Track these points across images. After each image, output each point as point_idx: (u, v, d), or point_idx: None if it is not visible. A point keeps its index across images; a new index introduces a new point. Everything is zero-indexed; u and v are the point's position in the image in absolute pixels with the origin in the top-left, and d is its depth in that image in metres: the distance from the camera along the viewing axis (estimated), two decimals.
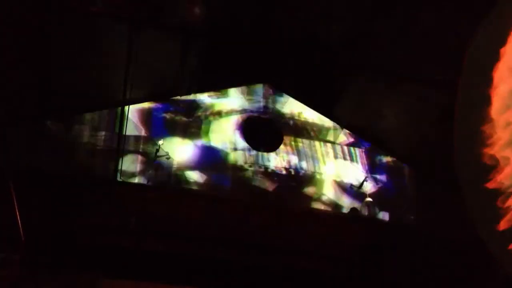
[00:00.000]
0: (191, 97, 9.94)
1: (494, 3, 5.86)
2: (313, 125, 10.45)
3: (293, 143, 10.18)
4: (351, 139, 10.45)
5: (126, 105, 8.49)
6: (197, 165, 9.36)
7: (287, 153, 9.99)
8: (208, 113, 9.95)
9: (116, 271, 8.52)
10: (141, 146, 9.21)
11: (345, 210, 9.56)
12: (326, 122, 10.52)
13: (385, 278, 8.93)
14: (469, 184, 6.07)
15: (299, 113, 10.52)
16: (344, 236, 9.09)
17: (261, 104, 10.32)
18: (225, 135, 9.85)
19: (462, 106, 5.90)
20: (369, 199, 9.60)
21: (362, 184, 9.78)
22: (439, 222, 9.06)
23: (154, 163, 8.87)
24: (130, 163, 8.99)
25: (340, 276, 8.99)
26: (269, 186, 9.61)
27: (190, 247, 8.89)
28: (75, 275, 8.38)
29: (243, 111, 10.16)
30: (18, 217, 7.59)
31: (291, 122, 10.36)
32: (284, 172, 9.79)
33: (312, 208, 9.46)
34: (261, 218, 9.01)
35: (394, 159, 10.32)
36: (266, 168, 9.73)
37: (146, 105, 9.67)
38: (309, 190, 9.74)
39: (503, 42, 5.91)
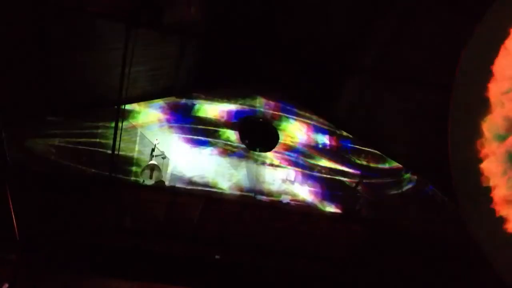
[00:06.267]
0: (188, 96, 9.96)
1: (491, 3, 5.85)
2: None
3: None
4: None
5: (122, 104, 8.47)
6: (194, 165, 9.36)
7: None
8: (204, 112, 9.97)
9: (113, 271, 8.56)
10: (138, 146, 9.21)
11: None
12: None
13: (380, 279, 8.97)
14: (463, 186, 6.06)
15: None
16: (340, 237, 9.11)
17: (257, 104, 10.34)
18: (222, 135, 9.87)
19: (456, 107, 5.89)
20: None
21: (357, 184, 9.77)
22: (435, 224, 9.08)
23: (150, 162, 8.86)
24: (127, 163, 8.99)
25: (336, 276, 9.03)
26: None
27: (186, 247, 8.92)
28: (71, 275, 8.41)
29: (239, 111, 10.18)
30: (14, 216, 7.59)
31: None
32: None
33: (308, 208, 9.46)
34: (259, 217, 9.03)
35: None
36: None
37: None
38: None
39: (500, 42, 5.89)
